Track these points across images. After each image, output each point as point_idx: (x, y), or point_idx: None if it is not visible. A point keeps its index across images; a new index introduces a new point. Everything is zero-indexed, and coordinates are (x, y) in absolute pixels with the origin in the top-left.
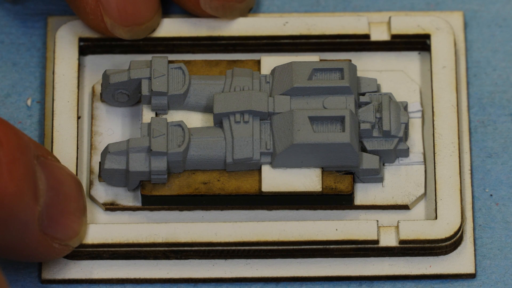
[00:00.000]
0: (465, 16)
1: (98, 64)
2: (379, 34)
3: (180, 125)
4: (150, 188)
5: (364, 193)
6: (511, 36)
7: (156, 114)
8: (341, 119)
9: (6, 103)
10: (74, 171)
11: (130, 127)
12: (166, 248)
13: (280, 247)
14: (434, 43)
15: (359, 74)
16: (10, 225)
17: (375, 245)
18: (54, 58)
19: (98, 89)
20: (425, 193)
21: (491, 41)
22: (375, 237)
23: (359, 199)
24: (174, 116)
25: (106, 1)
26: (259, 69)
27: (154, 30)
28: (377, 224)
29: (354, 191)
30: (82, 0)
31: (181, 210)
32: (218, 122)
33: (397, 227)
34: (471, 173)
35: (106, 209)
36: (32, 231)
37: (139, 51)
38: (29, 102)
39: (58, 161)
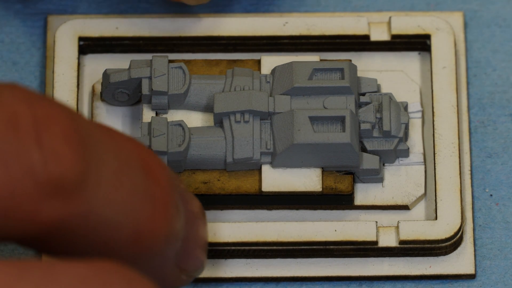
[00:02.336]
0: (465, 16)
1: (98, 63)
2: (379, 34)
3: (180, 124)
4: None
5: (364, 193)
6: (511, 36)
7: (156, 114)
8: (341, 119)
9: None
10: None
11: (130, 127)
12: None
13: (279, 247)
14: (434, 43)
15: (359, 74)
16: (155, 263)
17: (375, 246)
18: (53, 57)
19: (98, 88)
20: (425, 194)
21: (491, 41)
22: (374, 238)
23: (359, 199)
24: (174, 115)
25: None
26: (259, 69)
27: None
28: (376, 225)
29: (354, 191)
30: None
31: None
32: (219, 121)
33: (397, 227)
34: (471, 173)
35: None
36: (170, 265)
37: (139, 50)
38: None
39: (187, 188)
